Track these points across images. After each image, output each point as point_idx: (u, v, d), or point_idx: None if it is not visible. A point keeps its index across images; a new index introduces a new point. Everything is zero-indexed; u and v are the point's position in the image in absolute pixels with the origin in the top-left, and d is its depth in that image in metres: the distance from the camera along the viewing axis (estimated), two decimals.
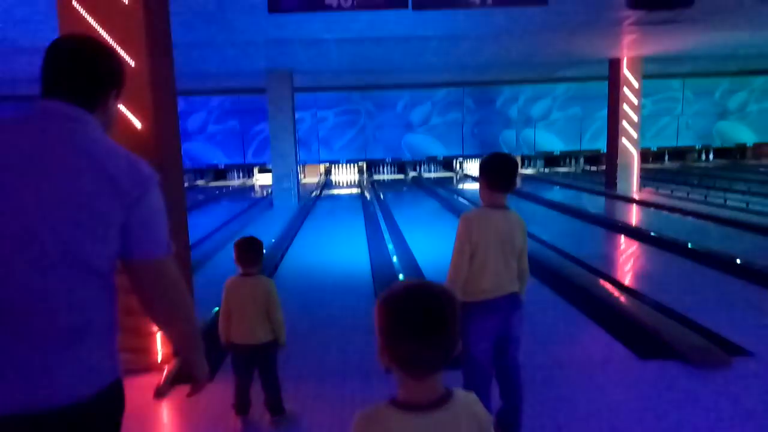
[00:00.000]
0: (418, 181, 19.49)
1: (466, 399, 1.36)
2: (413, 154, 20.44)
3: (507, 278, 2.87)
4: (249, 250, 3.18)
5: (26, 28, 7.59)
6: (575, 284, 6.11)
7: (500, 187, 2.88)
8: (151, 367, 4.15)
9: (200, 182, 20.62)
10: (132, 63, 4.05)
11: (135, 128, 4.10)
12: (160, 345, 4.27)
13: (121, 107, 4.08)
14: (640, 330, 4.65)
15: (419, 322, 1.26)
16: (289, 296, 6.12)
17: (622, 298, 5.62)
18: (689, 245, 7.73)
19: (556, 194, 14.74)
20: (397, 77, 16.81)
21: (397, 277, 6.56)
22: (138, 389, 3.82)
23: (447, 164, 22.16)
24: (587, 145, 20.17)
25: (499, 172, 2.88)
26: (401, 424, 1.30)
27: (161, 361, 4.24)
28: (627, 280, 6.63)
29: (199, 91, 18.06)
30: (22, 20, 7.25)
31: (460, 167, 21.76)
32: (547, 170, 21.21)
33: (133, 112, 4.10)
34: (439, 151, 20.36)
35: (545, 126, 20.14)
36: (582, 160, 21.43)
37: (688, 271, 6.83)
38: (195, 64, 10.87)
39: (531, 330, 3.52)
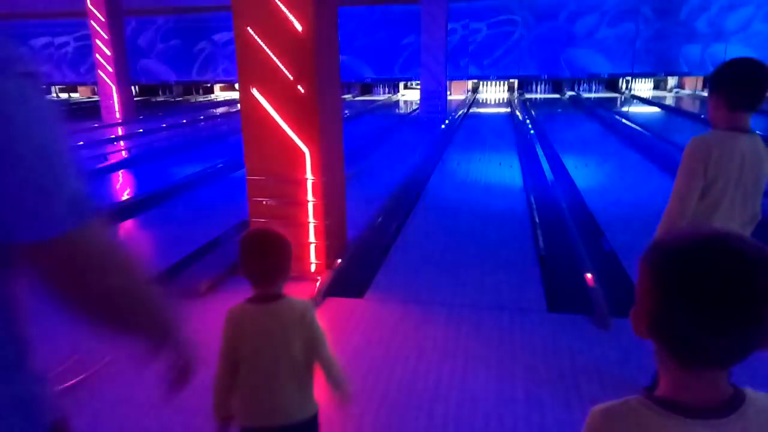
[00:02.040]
0: (576, 101, 17.74)
1: (765, 403, 0.91)
2: (573, 72, 18.51)
3: (740, 222, 2.24)
4: (268, 253, 1.72)
5: None
6: None
7: (747, 103, 2.18)
8: (305, 276, 4.18)
9: (347, 96, 20.78)
10: None
11: (295, 30, 3.87)
12: (313, 256, 4.27)
13: (283, 8, 3.85)
14: None
15: (721, 298, 0.83)
16: (436, 223, 5.86)
17: None
18: None
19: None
20: None
21: (559, 206, 5.93)
22: (293, 295, 3.89)
23: (611, 84, 19.87)
24: None
25: (747, 83, 2.16)
26: (670, 430, 0.89)
27: (314, 271, 4.25)
28: None
29: (350, 0, 17.73)
30: None
31: (627, 87, 19.39)
32: None
33: (294, 14, 3.85)
34: (605, 68, 18.19)
35: (741, 40, 16.90)
36: None
37: None
38: None
39: None
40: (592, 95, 19.20)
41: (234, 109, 17.21)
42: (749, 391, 0.92)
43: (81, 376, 2.97)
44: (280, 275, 1.75)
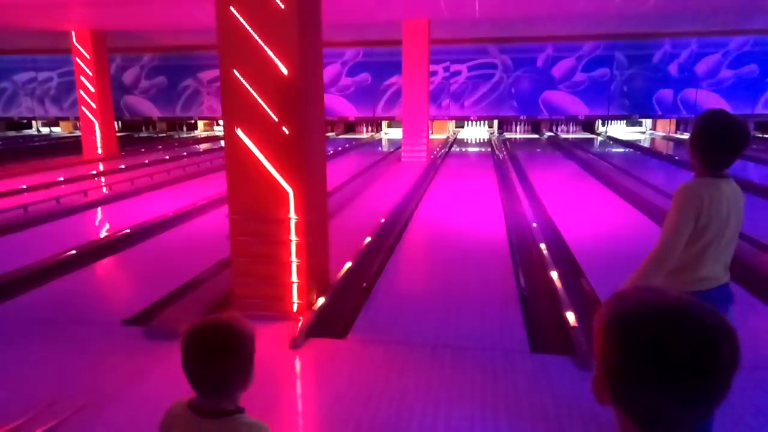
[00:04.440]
0: (554, 141, 18.20)
1: None
2: (551, 113, 19.01)
3: (723, 265, 2.31)
4: (215, 358, 1.32)
5: None
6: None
7: (731, 153, 2.27)
8: (287, 316, 4.15)
9: (330, 134, 21.01)
10: (281, 4, 3.87)
11: (281, 73, 3.95)
12: (295, 296, 4.24)
13: (269, 51, 3.94)
14: None
15: (686, 370, 0.84)
16: (419, 261, 5.89)
17: None
18: None
19: None
20: (541, 29, 15.49)
21: (538, 245, 6.01)
22: (274, 336, 3.85)
23: (588, 125, 20.44)
24: (762, 109, 17.37)
25: (726, 148, 2.26)
26: None
27: (296, 311, 4.22)
28: None
29: (334, 42, 18.13)
30: None
31: (604, 128, 19.97)
32: None
33: (280, 58, 3.94)
34: (581, 110, 18.72)
35: (712, 86, 17.60)
36: (753, 126, 18.59)
37: None
38: (333, 14, 10.75)
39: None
40: (570, 136, 19.70)
41: (217, 146, 17.25)
42: None
43: (53, 422, 2.87)
44: (233, 386, 1.32)
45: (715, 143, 2.26)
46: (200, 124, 23.74)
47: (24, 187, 9.87)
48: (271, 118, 4.01)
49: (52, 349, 3.76)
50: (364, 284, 4.98)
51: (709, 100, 17.62)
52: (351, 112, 20.37)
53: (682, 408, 0.85)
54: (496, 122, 20.95)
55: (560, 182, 10.74)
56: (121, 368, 3.46)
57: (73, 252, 6.03)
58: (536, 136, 20.22)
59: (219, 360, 1.28)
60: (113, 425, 2.81)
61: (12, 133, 23.66)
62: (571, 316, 4.02)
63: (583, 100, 18.54)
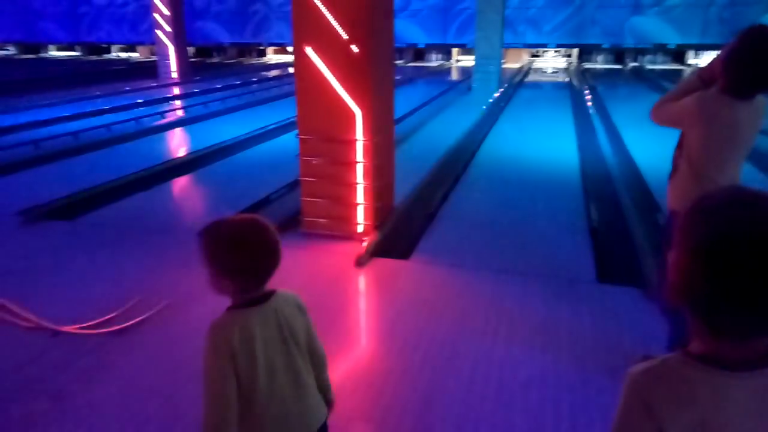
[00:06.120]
0: (638, 72, 16.89)
1: None
2: (638, 41, 17.57)
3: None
4: (274, 251, 1.39)
5: None
6: None
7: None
8: (352, 236, 4.23)
9: (399, 62, 20.49)
10: None
11: None
12: (361, 216, 4.30)
13: None
14: None
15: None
16: (485, 191, 5.78)
17: None
18: None
19: None
20: None
21: (614, 179, 5.73)
22: (340, 254, 3.96)
23: (678, 55, 18.78)
24: None
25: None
26: (713, 383, 0.90)
27: (361, 232, 4.29)
28: None
29: None
30: None
31: (697, 59, 18.31)
32: None
33: None
34: (672, 38, 17.17)
35: None
36: None
37: None
38: None
39: None
40: (657, 66, 18.23)
41: (285, 73, 17.30)
42: None
43: (142, 316, 3.13)
44: (274, 272, 1.40)
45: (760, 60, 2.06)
46: (269, 50, 23.80)
47: (106, 107, 10.38)
48: (341, 36, 3.92)
49: (137, 254, 4.05)
50: (429, 210, 4.97)
51: None
52: (421, 38, 19.71)
53: (758, 315, 0.83)
54: (575, 51, 19.67)
55: (642, 117, 10.04)
56: (197, 275, 3.69)
57: (153, 169, 6.36)
58: (619, 66, 18.86)
59: (277, 250, 1.38)
60: (192, 322, 3.03)
61: (93, 57, 24.71)
62: (642, 249, 3.86)
63: (674, 28, 16.98)
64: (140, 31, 22.47)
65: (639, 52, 18.91)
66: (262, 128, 8.59)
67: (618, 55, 19.39)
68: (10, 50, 26.61)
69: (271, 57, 23.60)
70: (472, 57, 13.72)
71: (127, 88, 13.33)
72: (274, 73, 18.10)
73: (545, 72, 18.07)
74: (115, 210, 5.12)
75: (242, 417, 1.34)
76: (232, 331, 1.32)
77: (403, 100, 11.17)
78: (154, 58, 15.99)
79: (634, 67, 18.15)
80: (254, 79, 15.97)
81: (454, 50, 21.04)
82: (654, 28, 17.16)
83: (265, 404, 1.37)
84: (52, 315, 3.11)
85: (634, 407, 0.94)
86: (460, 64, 20.31)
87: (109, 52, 25.61)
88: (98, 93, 12.48)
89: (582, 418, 2.33)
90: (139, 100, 11.31)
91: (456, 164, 6.63)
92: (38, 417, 2.38)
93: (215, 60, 23.26)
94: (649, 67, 18.17)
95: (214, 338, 1.33)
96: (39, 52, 26.20)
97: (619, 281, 3.58)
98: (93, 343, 2.92)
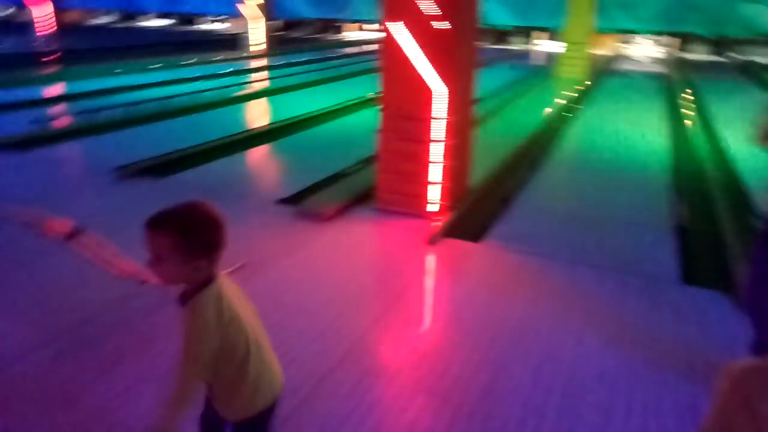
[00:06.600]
0: (745, 67, 15.54)
1: None
2: (746, 30, 16.16)
3: None
4: (223, 223, 1.51)
5: None
6: None
7: None
8: (425, 215, 4.23)
9: (482, 44, 19.99)
10: None
11: None
12: (432, 195, 4.27)
13: None
14: None
15: None
16: (564, 180, 5.59)
17: None
18: None
19: None
20: None
21: (707, 178, 5.38)
22: (413, 232, 3.97)
23: None
24: None
25: None
26: None
27: (435, 211, 4.26)
28: None
29: None
30: None
31: None
32: None
33: None
34: None
35: None
36: None
37: None
38: None
39: None
40: (766, 60, 16.75)
41: (365, 49, 17.35)
42: None
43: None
44: None
45: None
46: (346, 27, 24.06)
47: (194, 76, 10.85)
48: (430, 12, 3.87)
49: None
50: (505, 195, 4.87)
51: None
52: (506, 19, 19.12)
53: None
54: (673, 40, 18.42)
55: (744, 115, 9.30)
56: (273, 239, 3.82)
57: (236, 137, 6.61)
58: (722, 59, 17.48)
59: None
60: (265, 285, 3.15)
61: (185, 28, 25.85)
62: (734, 254, 3.60)
63: None
64: (231, 3, 23.22)
65: (744, 43, 17.43)
66: (339, 103, 8.69)
67: (720, 45, 17.98)
68: (111, 18, 28.29)
69: (347, 34, 23.80)
70: (559, 41, 13.17)
71: (215, 58, 13.85)
72: (351, 50, 18.21)
73: (638, 60, 17.06)
74: (202, 172, 5.37)
75: (237, 382, 1.44)
76: (222, 302, 1.41)
77: (486, 82, 10.93)
78: (241, 30, 16.50)
79: (741, 61, 16.76)
80: (336, 54, 16.15)
81: (540, 33, 20.30)
82: (763, 16, 15.72)
83: (258, 368, 1.46)
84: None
85: (732, 399, 0.93)
86: (546, 48, 19.58)
87: (201, 23, 26.71)
88: (187, 62, 13.04)
89: (654, 417, 2.24)
90: (225, 71, 11.73)
91: (536, 150, 6.44)
92: (126, 351, 2.57)
93: (297, 35, 23.71)
94: (757, 60, 16.71)
95: (205, 312, 1.38)
96: (135, 20, 27.69)
97: (705, 284, 3.37)
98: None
